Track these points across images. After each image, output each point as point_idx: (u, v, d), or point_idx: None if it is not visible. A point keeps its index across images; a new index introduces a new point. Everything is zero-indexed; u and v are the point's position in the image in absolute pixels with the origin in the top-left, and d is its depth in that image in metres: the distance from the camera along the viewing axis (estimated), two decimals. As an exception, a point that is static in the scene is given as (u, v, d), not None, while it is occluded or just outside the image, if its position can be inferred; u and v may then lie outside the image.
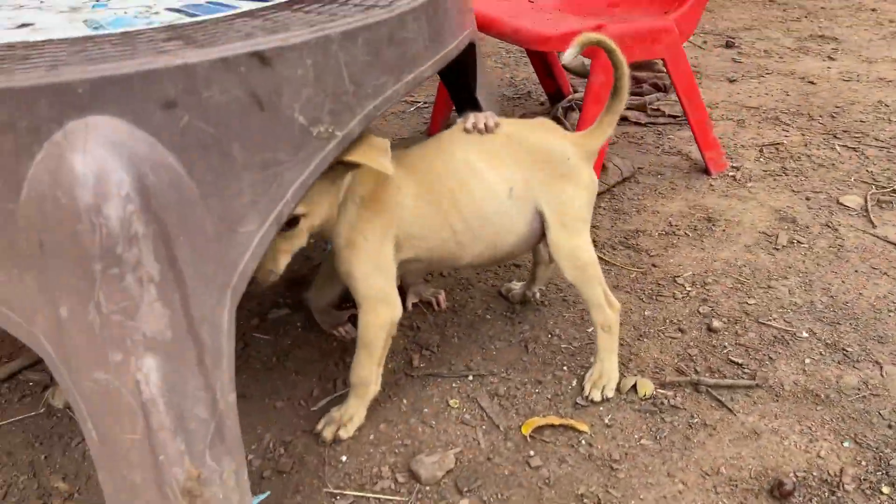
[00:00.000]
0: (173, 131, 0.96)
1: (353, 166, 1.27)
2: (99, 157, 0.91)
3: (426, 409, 1.52)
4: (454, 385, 1.58)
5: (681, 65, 2.16)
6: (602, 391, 1.54)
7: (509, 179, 1.43)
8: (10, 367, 1.61)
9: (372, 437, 1.46)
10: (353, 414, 1.46)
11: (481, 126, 1.44)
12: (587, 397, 1.53)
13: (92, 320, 0.96)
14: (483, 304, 1.84)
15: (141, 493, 1.04)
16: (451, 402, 1.54)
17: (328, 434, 1.44)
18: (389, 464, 1.40)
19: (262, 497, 1.32)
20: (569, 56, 1.43)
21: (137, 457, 1.02)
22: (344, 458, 1.41)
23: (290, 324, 1.78)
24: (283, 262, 1.31)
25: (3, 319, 0.99)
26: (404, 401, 1.54)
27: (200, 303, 1.03)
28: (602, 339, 1.56)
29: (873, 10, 4.17)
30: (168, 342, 0.99)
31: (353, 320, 1.70)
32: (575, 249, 1.49)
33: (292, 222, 1.26)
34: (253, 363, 1.64)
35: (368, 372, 1.43)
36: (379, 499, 1.33)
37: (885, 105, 2.91)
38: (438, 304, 1.81)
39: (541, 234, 1.52)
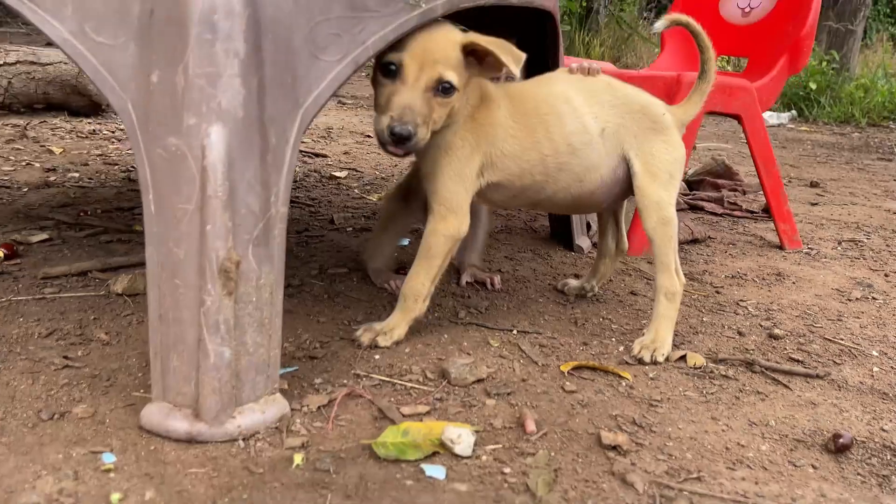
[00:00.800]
0: (282, -54, 1.11)
1: (484, 60, 1.36)
2: (218, -56, 1.06)
3: (465, 343, 1.50)
4: (497, 334, 1.56)
5: (757, 125, 2.24)
6: (652, 354, 1.48)
7: (603, 120, 1.51)
8: (81, 265, 1.71)
9: (408, 350, 1.44)
10: (394, 326, 1.45)
11: (585, 67, 1.55)
12: (636, 356, 1.48)
13: (178, 82, 1.06)
14: (537, 292, 1.83)
15: (181, 268, 1.08)
16: (492, 342, 1.51)
17: (366, 339, 1.43)
18: (421, 366, 1.37)
19: (288, 370, 1.31)
20: (659, 25, 1.57)
21: (187, 228, 1.07)
22: (377, 357, 1.39)
23: (347, 278, 1.82)
24: (425, 131, 1.32)
25: (102, 81, 1.11)
26: (445, 335, 1.52)
27: (274, 103, 1.12)
28: (662, 305, 1.52)
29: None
30: (239, 119, 1.08)
31: (403, 275, 1.73)
32: (661, 201, 1.51)
33: (448, 90, 1.34)
34: (305, 297, 1.68)
35: (422, 285, 1.44)
36: (405, 386, 1.29)
37: (975, 233, 2.84)
38: (493, 284, 1.82)
39: (625, 186, 1.56)
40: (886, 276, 2.20)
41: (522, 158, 1.47)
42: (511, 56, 1.33)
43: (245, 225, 1.10)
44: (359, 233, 2.23)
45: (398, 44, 1.28)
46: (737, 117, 2.24)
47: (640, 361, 1.47)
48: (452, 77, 1.31)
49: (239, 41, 1.07)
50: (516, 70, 1.33)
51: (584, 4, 9.39)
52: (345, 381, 1.29)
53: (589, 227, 2.30)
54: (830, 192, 3.61)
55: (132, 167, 2.87)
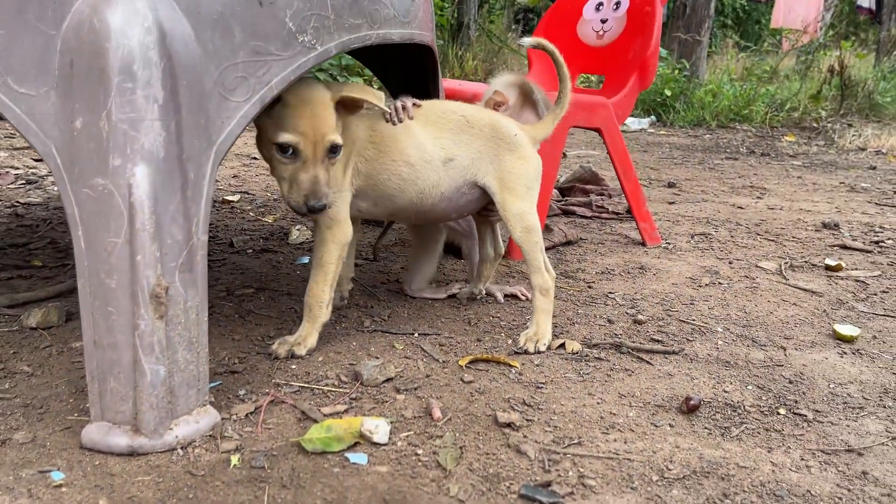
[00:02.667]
0: (189, 1, 1.24)
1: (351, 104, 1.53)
2: (129, 1, 1.18)
3: (373, 348, 1.66)
4: (401, 338, 1.73)
5: (615, 137, 2.53)
6: (535, 345, 1.69)
7: (450, 151, 1.69)
8: (-10, 302, 1.74)
9: (321, 358, 1.58)
10: (306, 335, 1.59)
11: (400, 108, 1.67)
12: (522, 347, 1.68)
13: (102, 126, 1.17)
14: (436, 300, 2.01)
15: (114, 297, 1.18)
16: (397, 345, 1.68)
17: (282, 351, 1.56)
18: (335, 371, 1.52)
19: (213, 384, 1.42)
20: (526, 42, 1.79)
21: (117, 260, 1.18)
22: (293, 367, 1.53)
23: (255, 297, 1.93)
24: (330, 191, 1.50)
25: (26, 129, 1.19)
26: (353, 343, 1.68)
27: (191, 142, 1.24)
28: (539, 300, 1.74)
29: (799, 177, 4.72)
30: (161, 159, 1.19)
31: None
32: (522, 213, 1.72)
33: (337, 149, 1.50)
34: (217, 318, 1.78)
35: (322, 292, 1.59)
36: (322, 389, 1.44)
37: (804, 221, 3.28)
38: (524, 294, 2.06)
39: (478, 201, 1.76)
40: (730, 263, 2.53)
41: (376, 173, 1.64)
42: (374, 98, 1.53)
43: (171, 254, 1.21)
44: (259, 254, 2.34)
45: (286, 123, 1.45)
46: (597, 130, 2.51)
47: (526, 352, 1.68)
48: (338, 139, 1.49)
49: (157, 88, 1.19)
50: (384, 106, 1.55)
51: (455, 18, 9.73)
52: (266, 391, 1.42)
53: (475, 235, 2.51)
54: (685, 191, 4.01)
55: (17, 202, 2.83)
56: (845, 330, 1.88)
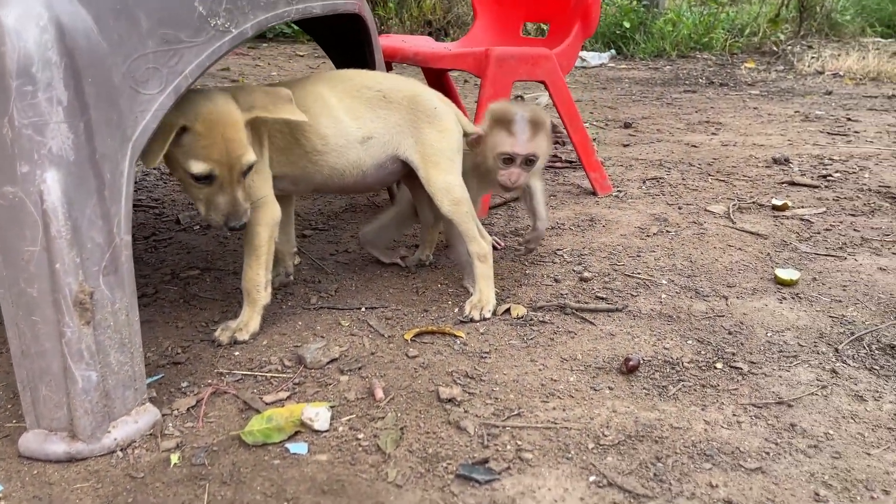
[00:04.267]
0: (90, -7, 1.18)
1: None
2: (25, -2, 1.12)
3: (318, 327, 1.66)
4: (347, 314, 1.73)
5: (561, 88, 2.50)
6: (480, 312, 1.70)
7: (369, 128, 1.65)
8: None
9: (266, 342, 1.58)
10: (248, 320, 1.59)
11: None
12: (467, 317, 1.70)
13: (5, 133, 1.13)
14: (383, 268, 2.01)
15: (37, 306, 1.16)
16: (343, 322, 1.68)
17: (224, 338, 1.56)
18: (279, 355, 1.52)
19: (155, 378, 1.42)
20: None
21: (36, 268, 1.16)
22: (237, 353, 1.53)
23: (200, 279, 1.92)
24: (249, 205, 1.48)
25: (-73, 140, 1.15)
26: (299, 322, 1.68)
27: (104, 141, 1.21)
28: (479, 268, 1.74)
29: (755, 108, 4.73)
30: (71, 162, 1.16)
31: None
32: (448, 185, 1.70)
33: (252, 165, 1.45)
34: (161, 304, 1.77)
35: (258, 275, 1.58)
36: (265, 376, 1.44)
37: (756, 158, 3.30)
38: (497, 244, 2.14)
39: (401, 171, 1.74)
40: (680, 209, 2.55)
41: (290, 153, 1.61)
42: (284, 109, 1.47)
43: (93, 258, 1.19)
44: (206, 230, 2.31)
45: (198, 153, 1.39)
46: (542, 82, 2.48)
47: (472, 320, 1.69)
48: (252, 156, 1.44)
49: (60, 89, 1.15)
50: (298, 117, 1.49)
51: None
52: (209, 381, 1.42)
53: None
54: (641, 131, 4.00)
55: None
56: (785, 274, 1.91)
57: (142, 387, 1.27)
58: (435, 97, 1.73)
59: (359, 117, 1.65)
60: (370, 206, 2.57)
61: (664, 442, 1.25)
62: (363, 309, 1.75)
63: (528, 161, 1.78)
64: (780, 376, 1.46)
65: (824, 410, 1.35)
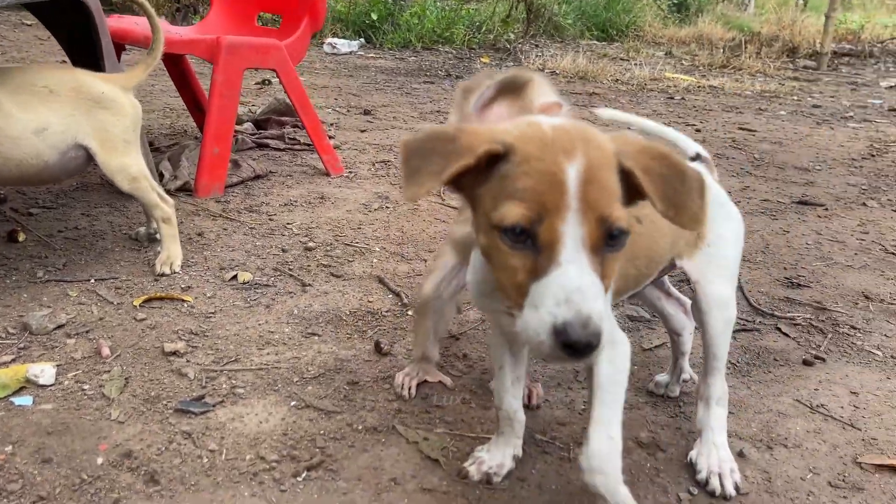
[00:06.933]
0: None
1: None
2: None
3: (45, 298, 1.74)
4: (76, 285, 1.82)
5: (291, 77, 2.73)
6: (170, 267, 1.92)
7: (43, 120, 1.72)
8: None
9: (-13, 313, 1.64)
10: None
11: None
12: (159, 273, 1.90)
13: None
14: (114, 243, 2.10)
15: None
16: (71, 292, 1.78)
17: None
18: (3, 325, 1.59)
19: None
20: None
21: None
22: (-44, 325, 1.58)
23: None
24: None
25: None
26: (24, 295, 1.74)
27: None
28: (164, 229, 1.93)
29: (482, 100, 5.31)
30: None
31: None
32: (124, 166, 1.84)
33: None
34: None
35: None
36: (-12, 344, 1.52)
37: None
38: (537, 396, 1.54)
39: (83, 162, 1.84)
40: (400, 186, 2.90)
41: None
42: None
43: None
44: (-83, 209, 2.22)
45: None
46: (274, 70, 2.69)
47: (163, 274, 1.89)
48: None
49: None
50: None
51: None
52: (-73, 351, 1.46)
53: (162, 176, 2.59)
54: (379, 118, 4.35)
55: None
56: (475, 241, 2.32)
57: None
58: (101, 83, 1.82)
59: (31, 110, 1.70)
60: (102, 185, 2.60)
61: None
62: (92, 280, 1.85)
63: None
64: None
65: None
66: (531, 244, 0.84)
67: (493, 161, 0.86)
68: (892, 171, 3.65)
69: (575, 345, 0.79)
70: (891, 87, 7.03)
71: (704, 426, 1.31)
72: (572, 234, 0.82)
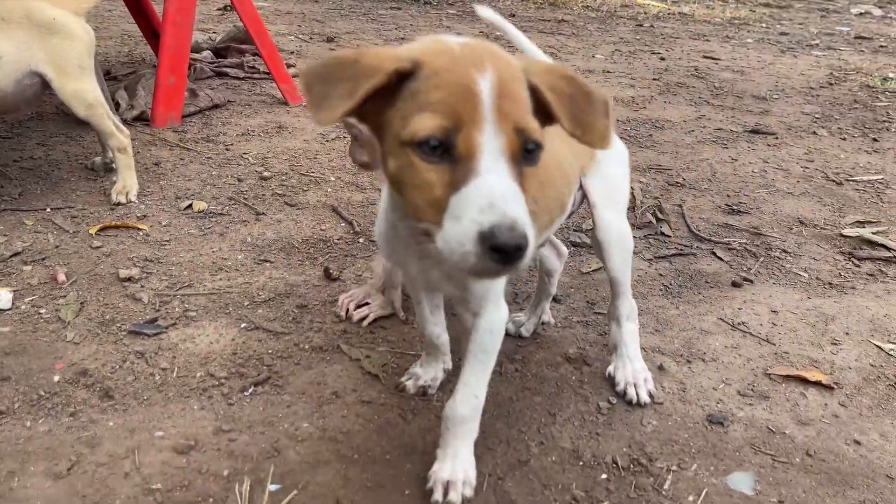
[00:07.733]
0: None
1: None
2: None
3: (1, 227, 1.78)
4: (32, 214, 1.86)
5: (247, 8, 2.71)
6: (126, 196, 1.96)
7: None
8: None
9: (-56, 242, 1.68)
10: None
11: None
12: (115, 202, 1.94)
13: None
14: (70, 173, 2.13)
15: None
16: (27, 221, 1.82)
17: None
18: (-41, 253, 1.64)
19: None
20: None
21: None
22: (-87, 253, 1.62)
23: None
24: None
25: None
26: (-19, 224, 1.78)
27: None
28: (120, 159, 1.97)
29: (448, 27, 5.26)
30: None
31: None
32: (80, 92, 1.86)
33: None
34: None
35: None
36: (-55, 271, 1.57)
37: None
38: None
39: (39, 89, 1.85)
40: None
41: None
42: None
43: None
44: None
45: None
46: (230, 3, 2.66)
47: (119, 204, 1.94)
48: None
49: None
50: None
51: None
52: None
53: (118, 106, 2.59)
54: (342, 45, 4.31)
55: None
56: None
57: None
58: (51, 9, 1.81)
59: None
60: (57, 114, 2.60)
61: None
62: (48, 209, 1.89)
63: None
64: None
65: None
66: (448, 157, 0.82)
67: (401, 81, 0.85)
68: (848, 99, 3.72)
69: (504, 247, 0.77)
70: (861, 13, 7.04)
71: (619, 342, 1.41)
72: (490, 144, 0.81)
